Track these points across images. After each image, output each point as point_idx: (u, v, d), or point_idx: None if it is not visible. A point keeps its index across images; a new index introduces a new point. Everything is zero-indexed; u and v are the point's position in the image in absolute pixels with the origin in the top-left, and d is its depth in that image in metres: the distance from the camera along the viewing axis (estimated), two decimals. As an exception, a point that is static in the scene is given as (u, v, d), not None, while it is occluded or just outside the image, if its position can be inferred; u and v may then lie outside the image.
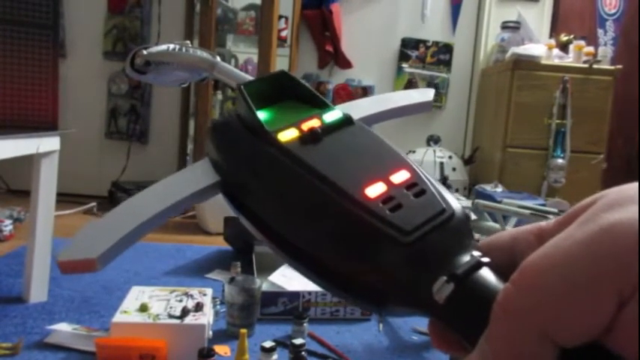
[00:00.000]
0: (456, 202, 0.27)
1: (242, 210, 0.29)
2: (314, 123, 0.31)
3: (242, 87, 0.32)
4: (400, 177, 0.27)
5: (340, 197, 0.26)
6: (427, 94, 0.42)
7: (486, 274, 0.23)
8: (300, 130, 0.30)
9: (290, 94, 0.34)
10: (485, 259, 0.23)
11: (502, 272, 0.22)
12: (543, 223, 0.23)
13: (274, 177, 0.28)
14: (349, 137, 0.30)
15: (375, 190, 0.26)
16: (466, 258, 0.24)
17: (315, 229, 0.26)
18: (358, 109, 0.36)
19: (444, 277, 0.23)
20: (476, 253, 0.24)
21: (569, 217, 0.21)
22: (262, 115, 0.31)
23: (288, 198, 0.28)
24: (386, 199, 0.26)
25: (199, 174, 0.31)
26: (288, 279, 1.74)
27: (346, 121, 0.31)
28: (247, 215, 0.29)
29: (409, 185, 0.27)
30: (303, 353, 1.27)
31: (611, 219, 0.19)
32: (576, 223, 0.20)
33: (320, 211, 0.26)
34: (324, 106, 0.33)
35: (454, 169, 3.24)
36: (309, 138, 0.29)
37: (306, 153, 0.28)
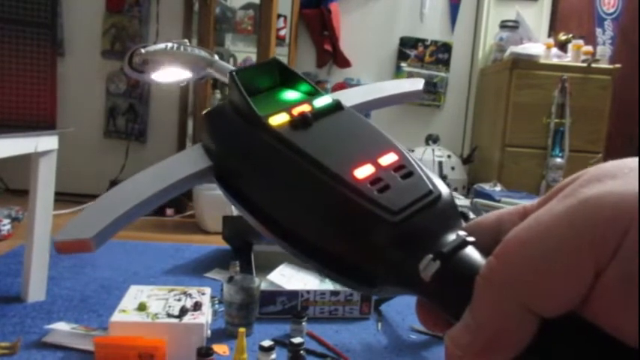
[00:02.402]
0: (443, 185, 0.27)
1: (234, 194, 0.30)
2: (304, 108, 0.31)
3: (233, 73, 0.32)
4: (388, 159, 0.28)
5: (329, 179, 0.26)
6: (417, 84, 0.42)
7: (471, 252, 0.23)
8: (291, 115, 0.30)
9: (282, 81, 0.35)
10: (471, 239, 0.24)
11: (488, 252, 0.23)
12: (528, 204, 0.24)
13: (265, 160, 0.29)
14: (339, 122, 0.31)
15: (363, 172, 0.27)
16: (452, 237, 0.24)
17: (306, 211, 0.27)
18: (349, 97, 0.36)
19: (430, 256, 0.23)
20: (462, 233, 0.24)
21: (551, 195, 0.22)
22: (254, 101, 0.32)
23: (279, 181, 0.28)
24: (374, 180, 0.26)
25: (192, 159, 0.32)
26: (287, 278, 1.74)
27: (336, 106, 0.32)
28: (238, 199, 0.29)
29: (397, 167, 0.28)
30: (301, 352, 1.27)
31: (588, 193, 0.19)
32: (556, 199, 0.21)
33: (310, 192, 0.27)
34: (314, 93, 0.33)
35: (453, 169, 3.24)
36: (300, 122, 0.30)
37: (296, 137, 0.29)
